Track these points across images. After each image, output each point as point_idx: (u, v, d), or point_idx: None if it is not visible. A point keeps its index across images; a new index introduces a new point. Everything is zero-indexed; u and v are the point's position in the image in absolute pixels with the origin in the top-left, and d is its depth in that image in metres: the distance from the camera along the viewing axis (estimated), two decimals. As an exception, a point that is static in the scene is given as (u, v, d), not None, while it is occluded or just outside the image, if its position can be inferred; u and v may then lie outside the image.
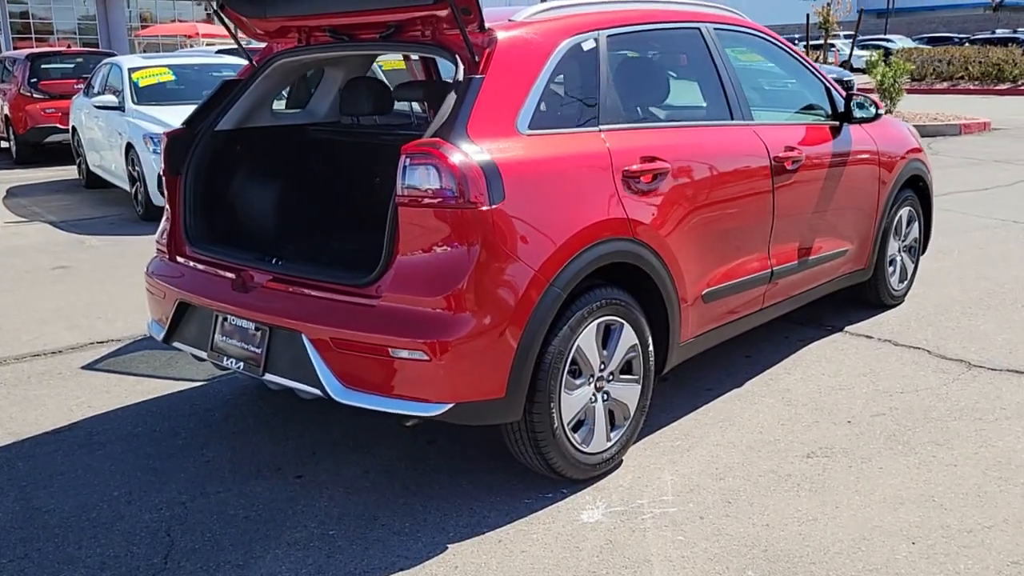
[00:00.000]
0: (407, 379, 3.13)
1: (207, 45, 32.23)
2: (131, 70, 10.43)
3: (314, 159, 4.58)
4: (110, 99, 10.05)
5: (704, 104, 4.28)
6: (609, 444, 3.62)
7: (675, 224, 3.79)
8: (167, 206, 4.13)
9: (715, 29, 4.37)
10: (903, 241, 5.82)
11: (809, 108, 5.06)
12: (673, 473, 3.69)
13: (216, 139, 4.11)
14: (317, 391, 3.29)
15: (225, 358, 3.61)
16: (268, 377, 3.46)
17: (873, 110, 5.03)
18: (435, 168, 3.07)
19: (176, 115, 9.30)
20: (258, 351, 3.48)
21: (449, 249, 3.10)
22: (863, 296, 5.70)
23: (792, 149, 4.52)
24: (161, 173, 4.10)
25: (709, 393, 4.52)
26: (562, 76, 3.52)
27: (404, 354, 3.09)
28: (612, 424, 3.64)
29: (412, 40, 3.61)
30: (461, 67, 3.33)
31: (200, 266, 3.85)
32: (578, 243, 3.33)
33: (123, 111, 9.94)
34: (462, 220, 3.09)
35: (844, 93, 5.12)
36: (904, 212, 5.72)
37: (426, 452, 3.91)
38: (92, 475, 3.77)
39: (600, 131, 3.60)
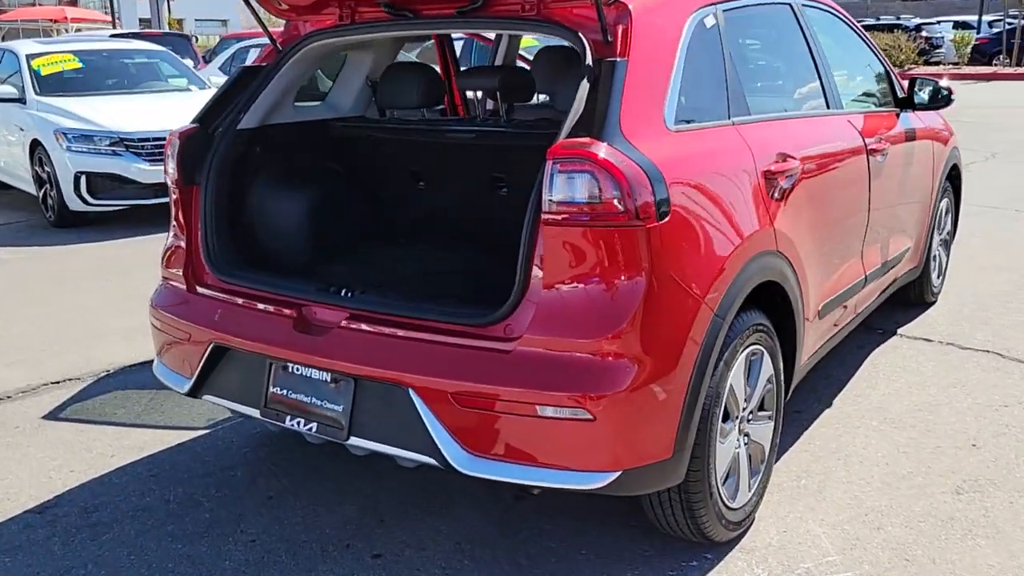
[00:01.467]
0: (560, 444, 2.48)
1: (76, 31, 29.98)
2: (29, 57, 9.19)
3: (368, 162, 3.86)
4: (8, 90, 8.82)
5: (806, 91, 3.75)
6: (750, 495, 3.07)
7: (802, 231, 3.25)
8: (176, 223, 3.33)
9: (803, 4, 3.84)
10: (941, 234, 5.48)
11: (870, 93, 4.61)
12: (821, 524, 3.16)
13: (240, 139, 3.33)
14: (430, 460, 2.60)
15: (288, 417, 2.86)
16: (355, 442, 2.75)
17: (942, 93, 4.60)
18: (593, 176, 2.42)
19: (92, 108, 8.24)
20: (338, 409, 2.76)
21: (610, 277, 2.46)
22: (906, 295, 5.32)
23: (880, 140, 4.06)
24: (172, 183, 3.27)
25: (801, 417, 4.02)
26: (692, 59, 2.91)
27: (558, 413, 2.44)
28: (750, 471, 3.08)
29: (507, 15, 2.94)
30: (589, 49, 2.68)
31: (238, 300, 3.07)
32: (738, 261, 2.75)
33: (24, 103, 8.75)
34: (627, 240, 2.45)
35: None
36: (943, 204, 5.38)
37: (519, 512, 3.25)
38: (109, 572, 2.96)
39: (734, 124, 3.02)
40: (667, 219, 2.49)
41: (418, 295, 2.99)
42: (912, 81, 4.65)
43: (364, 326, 2.77)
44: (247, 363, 2.99)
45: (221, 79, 10.37)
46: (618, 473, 2.47)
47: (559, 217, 2.45)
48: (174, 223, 3.35)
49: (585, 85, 2.62)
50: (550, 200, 2.45)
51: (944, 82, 4.68)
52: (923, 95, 4.62)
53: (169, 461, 3.73)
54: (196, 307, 3.18)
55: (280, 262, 3.41)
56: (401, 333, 2.70)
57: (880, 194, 4.07)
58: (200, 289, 3.21)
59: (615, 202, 2.41)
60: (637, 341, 2.45)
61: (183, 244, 3.28)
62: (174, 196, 3.32)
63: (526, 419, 2.47)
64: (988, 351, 4.76)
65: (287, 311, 2.92)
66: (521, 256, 2.53)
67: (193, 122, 3.32)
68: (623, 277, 2.46)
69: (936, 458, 3.62)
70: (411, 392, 2.59)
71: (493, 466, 2.53)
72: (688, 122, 2.80)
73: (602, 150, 2.44)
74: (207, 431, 3.99)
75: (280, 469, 3.62)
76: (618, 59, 2.63)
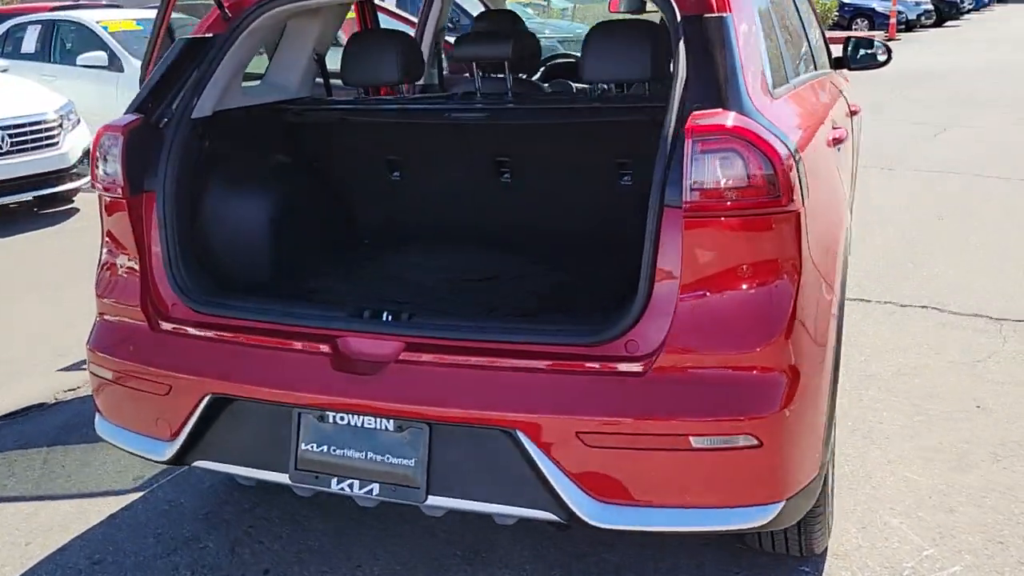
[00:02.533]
0: (718, 478, 2.07)
1: None
2: None
3: (345, 152, 3.23)
4: None
5: (804, 53, 3.50)
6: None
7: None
8: (116, 241, 2.59)
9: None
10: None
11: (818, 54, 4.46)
12: (893, 514, 2.96)
13: (195, 132, 2.63)
14: (548, 515, 2.12)
15: (335, 480, 2.26)
16: (436, 502, 2.21)
17: (878, 55, 4.53)
18: (740, 154, 2.02)
19: None
20: (409, 463, 2.20)
21: (761, 273, 2.07)
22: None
23: (849, 104, 3.91)
24: (111, 190, 2.53)
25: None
26: (762, 16, 2.56)
27: (715, 442, 2.03)
28: (827, 467, 2.81)
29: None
30: (676, 4, 2.26)
31: (237, 336, 2.41)
32: (842, 239, 2.45)
33: None
34: (778, 227, 2.07)
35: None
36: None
37: (574, 546, 2.82)
38: None
39: (795, 89, 2.70)
40: (807, 199, 2.13)
41: (480, 312, 2.47)
42: (847, 41, 4.54)
43: (432, 357, 2.21)
44: (262, 416, 2.35)
45: None
46: (782, 504, 2.10)
47: (701, 206, 2.02)
48: (113, 242, 2.60)
49: (681, 48, 2.20)
50: (692, 185, 2.01)
51: (879, 41, 4.60)
52: (859, 56, 4.52)
53: (108, 540, 2.96)
54: (171, 349, 2.47)
55: (266, 283, 2.76)
56: (491, 362, 2.17)
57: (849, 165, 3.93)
58: (166, 325, 2.50)
59: (766, 184, 2.02)
60: (795, 346, 2.08)
61: (133, 268, 2.55)
62: (112, 207, 2.57)
63: (675, 454, 2.05)
64: (927, 307, 4.80)
65: (316, 346, 2.30)
66: (646, 256, 2.08)
67: (133, 111, 2.57)
68: (776, 272, 2.07)
69: (954, 425, 3.53)
70: (519, 435, 2.09)
71: (632, 514, 2.09)
72: (780, 86, 2.45)
73: (747, 123, 2.04)
74: (140, 493, 3.24)
75: (260, 530, 2.96)
76: (725, 14, 2.23)
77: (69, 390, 4.12)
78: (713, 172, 2.00)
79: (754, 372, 2.05)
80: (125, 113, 2.59)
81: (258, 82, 3.18)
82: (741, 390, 2.05)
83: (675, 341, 2.06)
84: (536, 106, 2.88)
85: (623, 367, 2.10)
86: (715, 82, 2.13)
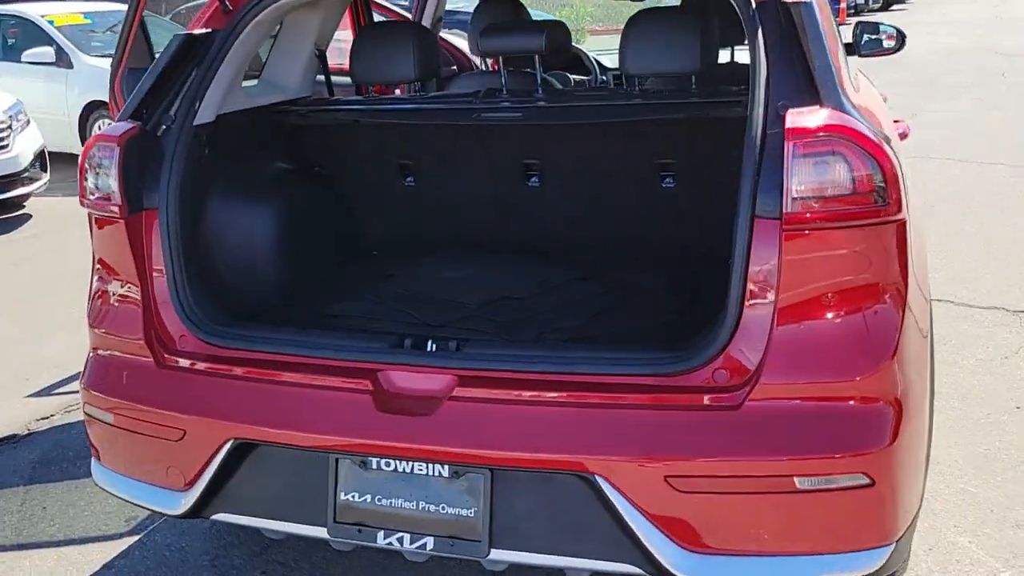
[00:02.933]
0: (826, 522, 1.85)
1: None
2: None
3: (358, 157, 2.95)
4: None
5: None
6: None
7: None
8: (111, 266, 2.29)
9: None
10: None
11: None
12: (958, 532, 2.78)
13: (199, 140, 2.33)
14: (632, 569, 1.88)
15: (381, 534, 2.00)
16: (500, 556, 1.95)
17: (887, 42, 4.32)
18: (846, 158, 1.79)
19: None
20: (468, 514, 1.94)
21: (868, 291, 1.85)
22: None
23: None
24: (104, 207, 2.23)
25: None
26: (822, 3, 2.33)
27: (824, 482, 1.80)
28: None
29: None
30: (748, -11, 2.03)
31: (252, 371, 2.13)
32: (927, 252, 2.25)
33: None
34: (884, 239, 1.86)
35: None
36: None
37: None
38: None
39: (856, 79, 2.48)
40: (907, 207, 1.91)
41: (530, 335, 2.22)
42: (857, 27, 4.34)
43: (491, 393, 1.96)
44: (293, 463, 2.08)
45: None
46: (892, 546, 1.88)
47: (802, 216, 1.79)
48: (107, 266, 2.30)
49: (760, 37, 1.97)
50: (792, 195, 1.78)
51: (888, 24, 4.40)
52: (864, 42, 4.32)
53: (106, 594, 2.66)
54: (182, 387, 2.18)
55: (277, 306, 2.48)
56: (560, 398, 1.92)
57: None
58: (175, 360, 2.21)
59: (874, 190, 1.79)
60: (902, 371, 1.86)
61: (133, 296, 2.25)
62: (106, 227, 2.26)
63: (777, 497, 1.82)
64: (940, 299, 4.65)
65: (355, 382, 2.03)
66: (736, 273, 1.85)
67: (127, 118, 2.27)
68: (883, 288, 1.86)
69: (999, 429, 3.37)
70: (598, 480, 1.84)
71: (729, 566, 1.86)
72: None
73: (851, 122, 1.81)
74: (135, 537, 2.93)
75: (278, 578, 2.68)
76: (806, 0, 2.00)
77: (42, 419, 3.77)
78: (817, 178, 1.77)
79: (861, 401, 1.83)
80: (117, 120, 2.29)
81: (255, 82, 2.88)
82: (849, 423, 1.83)
83: (773, 369, 1.83)
84: (573, 104, 2.62)
85: (714, 400, 1.86)
86: (805, 75, 1.90)
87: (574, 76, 4.50)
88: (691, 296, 2.50)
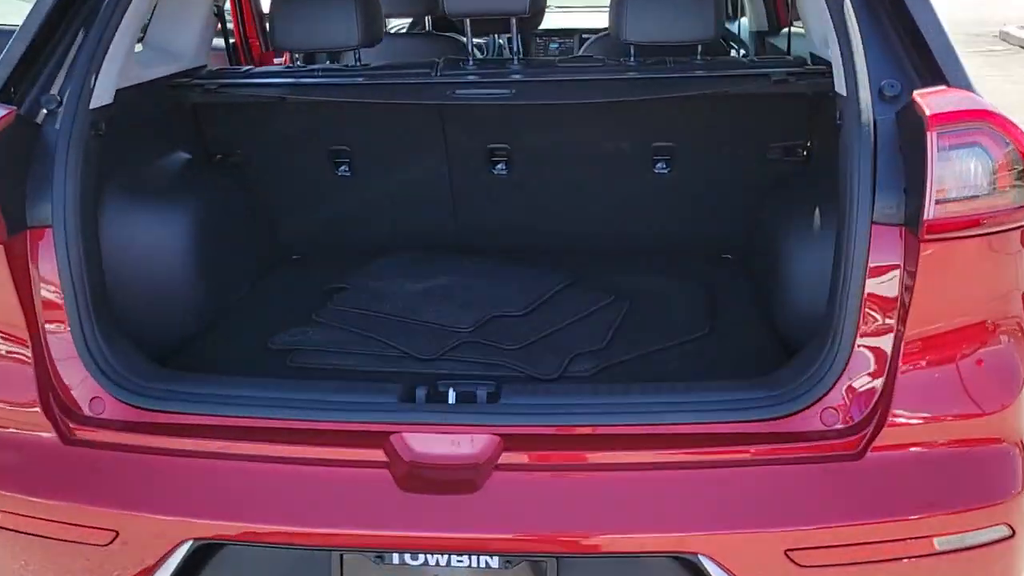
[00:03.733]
0: (960, 582, 1.55)
1: None
2: None
3: (288, 136, 2.41)
4: None
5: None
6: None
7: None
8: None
9: None
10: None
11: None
12: None
13: (95, 127, 1.73)
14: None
15: (409, 650, 1.53)
16: (571, 665, 1.53)
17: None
18: (988, 151, 1.46)
19: None
20: (526, 614, 1.51)
21: (1003, 310, 1.55)
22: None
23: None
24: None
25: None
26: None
27: (962, 540, 1.50)
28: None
29: None
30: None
31: (207, 443, 1.58)
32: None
33: None
34: (1017, 247, 1.55)
35: None
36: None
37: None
38: None
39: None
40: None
41: (558, 369, 1.80)
42: None
43: (547, 457, 1.53)
44: (278, 565, 1.56)
45: None
46: (1023, 600, 1.62)
47: (944, 223, 1.45)
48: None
49: (848, 2, 1.62)
50: (935, 197, 1.44)
51: None
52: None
53: None
54: (106, 471, 1.60)
55: (212, 341, 1.93)
56: (637, 456, 1.51)
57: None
58: (92, 432, 1.62)
59: (1014, 186, 1.48)
60: (1033, 400, 1.58)
61: (19, 349, 1.64)
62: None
63: (914, 563, 1.50)
64: None
65: (359, 451, 1.54)
66: (847, 292, 1.50)
67: (-5, 103, 1.63)
68: (1019, 305, 1.56)
69: None
70: (703, 562, 1.46)
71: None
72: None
73: (990, 107, 1.49)
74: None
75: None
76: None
77: None
78: (962, 175, 1.44)
79: (995, 442, 1.53)
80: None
81: (138, 47, 2.24)
82: (985, 467, 1.53)
83: (900, 407, 1.50)
84: (564, 78, 2.17)
85: (829, 448, 1.51)
86: (917, 49, 1.56)
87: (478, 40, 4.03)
88: (707, 302, 2.15)
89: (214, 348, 2.01)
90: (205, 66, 2.38)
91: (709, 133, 2.28)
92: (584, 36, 4.35)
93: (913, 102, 1.46)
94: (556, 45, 4.31)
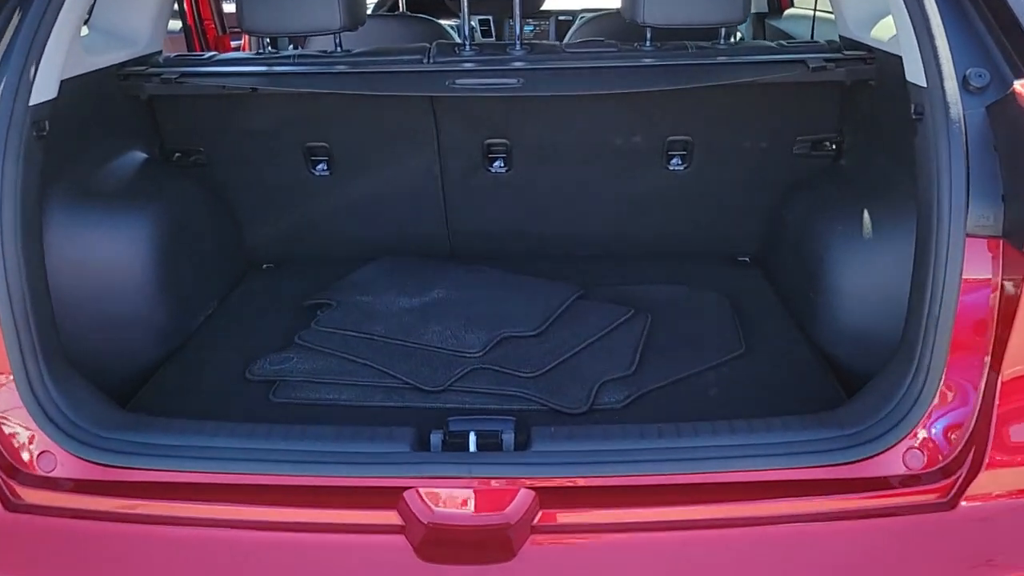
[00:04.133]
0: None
1: None
2: None
3: (259, 132, 2.13)
4: None
5: None
6: None
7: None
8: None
9: None
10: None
11: None
12: None
13: (37, 126, 1.45)
14: None
15: None
16: None
17: None
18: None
19: None
20: None
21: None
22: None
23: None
24: None
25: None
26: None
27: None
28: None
29: None
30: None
31: (185, 508, 1.32)
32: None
33: None
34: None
35: None
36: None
37: None
38: None
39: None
40: None
41: (585, 400, 1.57)
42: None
43: (594, 515, 1.30)
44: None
45: None
46: None
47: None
48: None
49: None
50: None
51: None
52: None
53: None
54: (56, 543, 1.34)
55: (178, 371, 1.67)
56: (695, 512, 1.29)
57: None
58: (42, 496, 1.35)
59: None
60: None
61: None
62: None
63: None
64: None
65: (367, 513, 1.29)
66: (932, 315, 1.30)
67: None
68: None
69: None
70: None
71: None
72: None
73: None
74: None
75: None
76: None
77: None
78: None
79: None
80: None
81: (84, 29, 1.94)
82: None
83: (999, 446, 1.29)
84: (571, 65, 1.91)
85: (914, 495, 1.31)
86: (1007, 32, 1.35)
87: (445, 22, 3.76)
88: (734, 313, 1.93)
89: (183, 380, 1.74)
90: (160, 52, 2.09)
91: (730, 125, 2.06)
92: (560, 18, 4.11)
93: (1015, 94, 1.25)
94: (531, 28, 4.05)
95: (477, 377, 1.68)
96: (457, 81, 1.84)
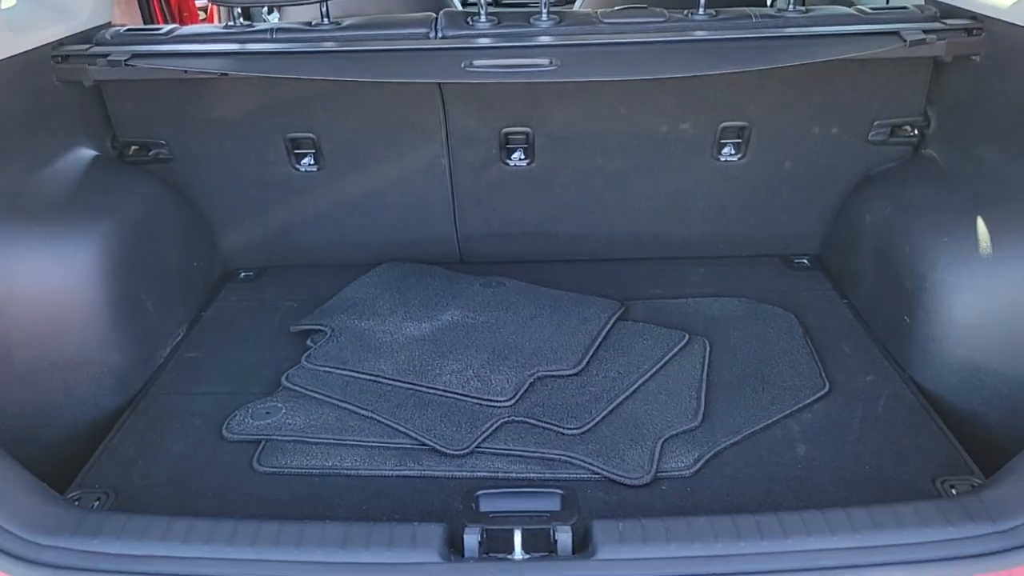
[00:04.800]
0: None
1: None
2: None
3: (234, 122, 1.79)
4: None
5: None
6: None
7: None
8: None
9: None
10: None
11: None
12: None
13: None
14: None
15: None
16: None
17: None
18: None
19: None
20: None
21: None
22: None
23: None
24: None
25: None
26: None
27: None
28: None
29: None
30: None
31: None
32: None
33: None
34: None
35: None
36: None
37: None
38: None
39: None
40: None
41: (648, 467, 1.26)
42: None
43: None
44: None
45: None
46: None
47: None
48: None
49: None
50: None
51: None
52: None
53: None
54: None
55: (146, 426, 1.35)
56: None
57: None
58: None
59: None
60: None
61: None
62: None
63: None
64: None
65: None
66: None
67: None
68: None
69: None
70: None
71: None
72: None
73: None
74: None
75: None
76: None
77: None
78: None
79: None
80: None
81: (12, 1, 1.57)
82: None
83: None
84: (612, 39, 1.56)
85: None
86: None
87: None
88: (805, 335, 1.62)
89: (145, 439, 1.41)
90: (109, 24, 1.72)
91: (795, 108, 1.73)
92: None
93: None
94: None
95: (509, 432, 1.36)
96: (474, 63, 1.49)
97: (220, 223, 1.89)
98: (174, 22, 2.52)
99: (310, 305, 1.77)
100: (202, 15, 2.69)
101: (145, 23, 2.11)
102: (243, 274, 1.95)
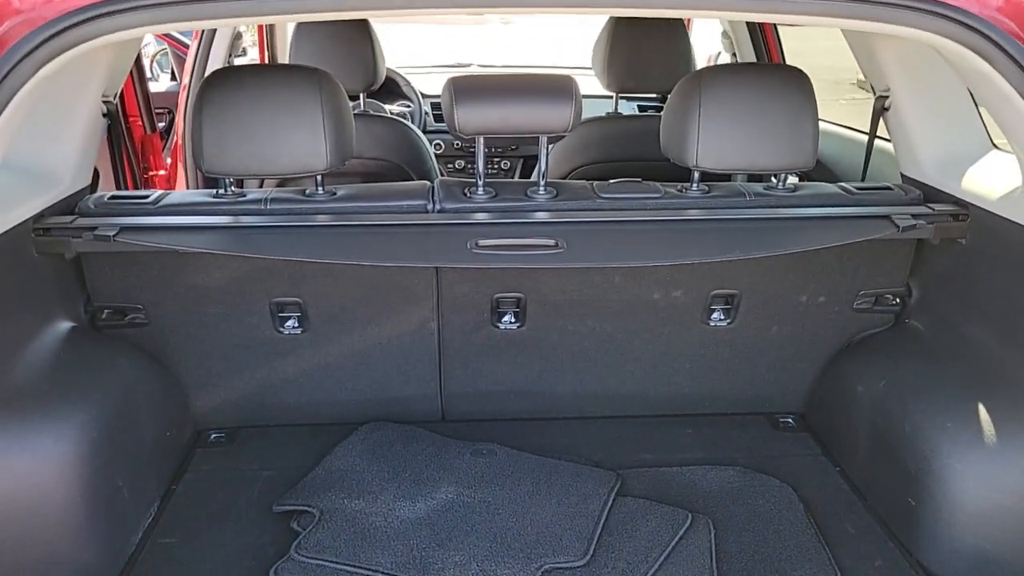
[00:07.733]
0: None
1: None
2: None
3: (215, 288, 1.75)
4: None
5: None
6: None
7: None
8: None
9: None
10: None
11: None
12: None
13: None
14: None
15: None
16: None
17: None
18: None
19: None
20: None
21: None
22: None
23: None
24: None
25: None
26: None
27: None
28: None
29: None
30: None
31: None
32: None
33: None
34: None
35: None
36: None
37: None
38: None
39: None
40: None
41: None
42: None
43: None
44: None
45: None
46: None
47: None
48: None
49: None
50: None
51: None
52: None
53: None
54: None
55: None
56: None
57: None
58: None
59: None
60: None
61: None
62: None
63: None
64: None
65: None
66: None
67: None
68: None
69: None
70: None
71: None
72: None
73: None
74: None
75: None
76: None
77: None
78: None
79: None
80: None
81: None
82: None
83: None
84: (614, 218, 1.56)
85: None
86: None
87: (390, 107, 3.38)
88: (807, 512, 1.60)
89: None
90: (88, 188, 1.66)
91: (785, 279, 1.76)
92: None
93: None
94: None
95: None
96: (480, 242, 1.47)
97: (194, 385, 1.80)
98: (143, 164, 2.46)
99: (288, 474, 1.69)
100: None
101: (116, 172, 2.05)
102: (213, 435, 1.86)
